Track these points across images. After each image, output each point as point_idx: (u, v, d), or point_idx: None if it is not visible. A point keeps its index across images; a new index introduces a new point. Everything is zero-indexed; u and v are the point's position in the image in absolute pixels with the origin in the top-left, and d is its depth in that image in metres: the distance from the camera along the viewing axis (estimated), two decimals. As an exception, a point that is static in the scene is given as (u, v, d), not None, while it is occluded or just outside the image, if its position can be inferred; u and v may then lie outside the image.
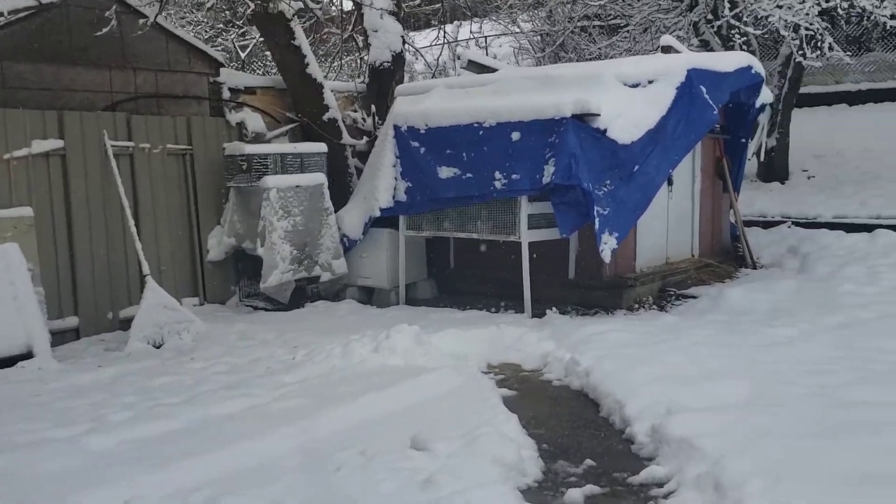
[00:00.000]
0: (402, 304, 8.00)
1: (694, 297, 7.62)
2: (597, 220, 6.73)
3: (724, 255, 9.28)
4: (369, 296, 8.33)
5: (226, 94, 8.39)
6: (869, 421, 3.78)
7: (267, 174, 7.70)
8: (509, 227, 7.23)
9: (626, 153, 6.95)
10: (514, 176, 7.03)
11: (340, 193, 8.72)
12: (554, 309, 7.14)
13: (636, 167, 7.05)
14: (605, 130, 6.88)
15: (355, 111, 9.73)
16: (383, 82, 9.48)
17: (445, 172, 7.47)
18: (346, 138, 9.00)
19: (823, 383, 4.48)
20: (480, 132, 7.26)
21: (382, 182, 7.81)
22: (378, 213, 7.83)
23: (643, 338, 5.86)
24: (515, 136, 7.07)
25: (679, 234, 8.66)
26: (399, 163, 7.86)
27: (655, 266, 8.23)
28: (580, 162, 6.71)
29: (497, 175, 7.12)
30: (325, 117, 8.80)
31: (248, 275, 8.19)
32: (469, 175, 7.32)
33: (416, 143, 7.70)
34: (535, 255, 7.61)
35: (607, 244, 6.82)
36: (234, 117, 8.35)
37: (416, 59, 13.50)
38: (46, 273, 6.59)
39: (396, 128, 7.86)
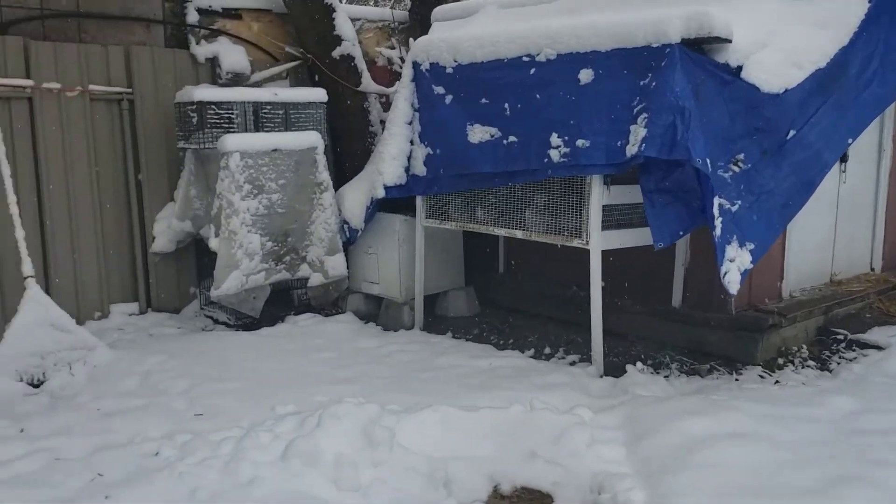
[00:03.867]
0: (417, 329, 5.47)
1: (878, 349, 4.66)
2: (718, 223, 3.93)
3: (924, 270, 6.13)
4: (378, 307, 5.85)
5: (193, 18, 6.02)
6: None
7: (231, 131, 5.35)
8: (572, 225, 4.51)
9: (776, 109, 4.10)
10: (579, 142, 4.29)
11: (357, 162, 6.27)
12: (639, 364, 4.41)
13: (791, 132, 4.19)
14: (740, 69, 4.04)
15: (392, 48, 7.19)
16: (430, 8, 6.83)
17: (478, 134, 4.81)
18: (368, 83, 6.47)
19: None
20: (532, 70, 4.53)
21: (391, 148, 5.26)
22: (382, 194, 5.29)
23: (791, 458, 3.07)
24: (585, 75, 4.30)
25: (853, 239, 5.64)
26: (417, 119, 5.26)
27: (813, 288, 5.29)
28: (693, 121, 3.89)
29: (554, 140, 4.40)
30: (337, 53, 6.31)
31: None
32: (513, 139, 4.64)
33: (440, 89, 5.07)
34: (618, 266, 4.90)
35: (734, 262, 4.00)
36: (203, 50, 6.00)
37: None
38: None
39: (416, 66, 5.25)
